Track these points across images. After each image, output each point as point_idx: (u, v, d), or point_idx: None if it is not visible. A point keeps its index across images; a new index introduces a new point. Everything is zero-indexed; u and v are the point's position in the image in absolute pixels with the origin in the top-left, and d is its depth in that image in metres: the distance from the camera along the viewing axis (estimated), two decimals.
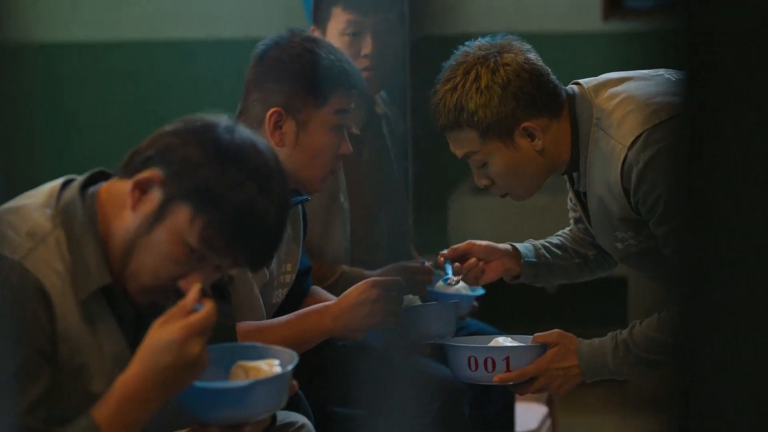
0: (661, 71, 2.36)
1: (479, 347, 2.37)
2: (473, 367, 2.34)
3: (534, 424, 3.59)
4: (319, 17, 2.98)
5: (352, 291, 2.34)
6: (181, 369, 1.73)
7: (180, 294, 1.79)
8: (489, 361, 2.33)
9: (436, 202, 4.51)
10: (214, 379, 1.90)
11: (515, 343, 2.42)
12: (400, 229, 3.16)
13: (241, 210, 1.78)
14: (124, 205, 1.80)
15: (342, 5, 2.94)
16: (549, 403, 3.84)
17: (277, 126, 2.38)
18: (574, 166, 2.36)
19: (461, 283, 2.94)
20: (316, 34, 2.94)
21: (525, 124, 2.29)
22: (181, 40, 4.72)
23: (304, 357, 1.97)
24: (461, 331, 2.77)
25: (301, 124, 2.39)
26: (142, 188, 1.78)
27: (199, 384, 1.82)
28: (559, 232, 2.63)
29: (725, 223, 0.92)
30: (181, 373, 1.74)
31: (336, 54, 2.43)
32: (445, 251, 2.54)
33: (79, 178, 1.87)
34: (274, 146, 2.25)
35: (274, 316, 2.47)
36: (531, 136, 2.30)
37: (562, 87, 2.36)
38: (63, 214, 1.81)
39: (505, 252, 2.53)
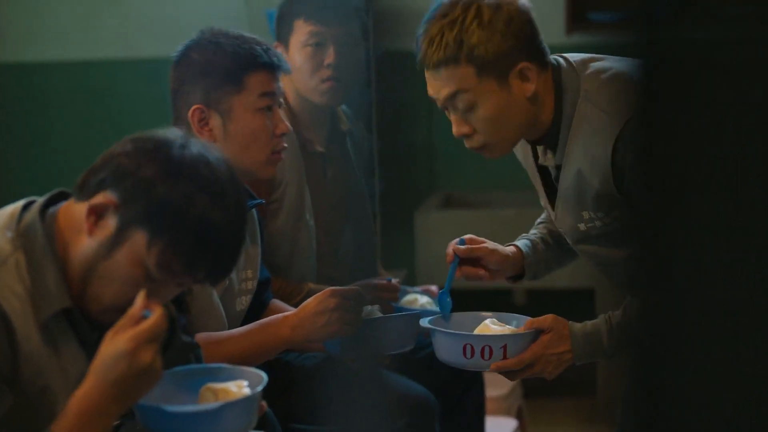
0: None
1: (476, 336, 2.33)
2: (469, 354, 2.30)
3: None
4: (282, 32, 2.98)
5: (311, 301, 2.34)
6: (133, 379, 1.72)
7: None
8: (486, 349, 2.30)
9: (402, 217, 4.51)
10: (183, 402, 1.89)
11: (509, 330, 2.38)
12: (366, 246, 3.16)
13: (196, 229, 1.77)
14: (81, 229, 1.79)
15: (304, 17, 2.94)
16: (519, 416, 3.85)
17: (203, 123, 2.39)
18: (548, 136, 2.31)
19: (426, 299, 2.94)
20: (280, 50, 2.94)
21: (522, 65, 2.24)
22: (148, 59, 4.71)
23: (270, 376, 1.96)
24: (429, 346, 2.75)
25: (225, 115, 2.39)
26: (97, 213, 1.78)
27: (169, 408, 1.81)
28: (540, 220, 2.62)
29: (687, 220, 0.91)
30: (134, 382, 1.72)
31: (243, 38, 2.42)
32: (458, 244, 2.46)
33: (40, 200, 1.86)
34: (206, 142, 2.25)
35: (240, 325, 2.47)
36: (525, 78, 2.25)
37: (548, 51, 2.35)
38: (23, 236, 1.80)
39: (512, 258, 2.51)
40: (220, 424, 1.86)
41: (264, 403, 1.93)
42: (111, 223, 1.77)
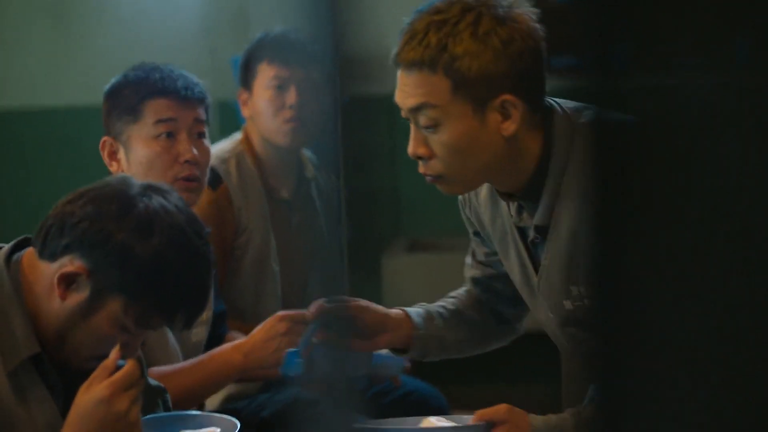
0: None
1: (409, 429, 1.97)
2: None
3: None
4: (246, 77, 3.00)
5: (262, 326, 2.35)
6: (111, 427, 1.71)
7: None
8: None
9: (369, 262, 4.51)
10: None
11: (450, 424, 2.00)
12: (333, 292, 3.16)
13: (172, 285, 1.77)
14: (50, 289, 1.78)
15: (267, 60, 2.96)
16: None
17: (113, 156, 2.40)
18: (528, 190, 1.96)
19: None
20: (243, 96, 2.96)
21: (506, 97, 1.87)
22: None
23: (243, 422, 1.96)
24: (393, 392, 2.74)
25: (126, 145, 2.38)
26: (67, 282, 1.77)
27: None
28: (454, 293, 2.26)
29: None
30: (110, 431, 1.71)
31: (143, 68, 2.41)
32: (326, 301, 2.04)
33: (5, 248, 1.85)
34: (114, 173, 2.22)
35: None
36: (505, 114, 1.89)
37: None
38: None
39: (395, 322, 2.13)
40: None
41: None
42: (83, 290, 1.77)
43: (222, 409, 2.64)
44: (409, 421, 2.03)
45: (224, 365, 2.34)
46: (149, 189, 1.82)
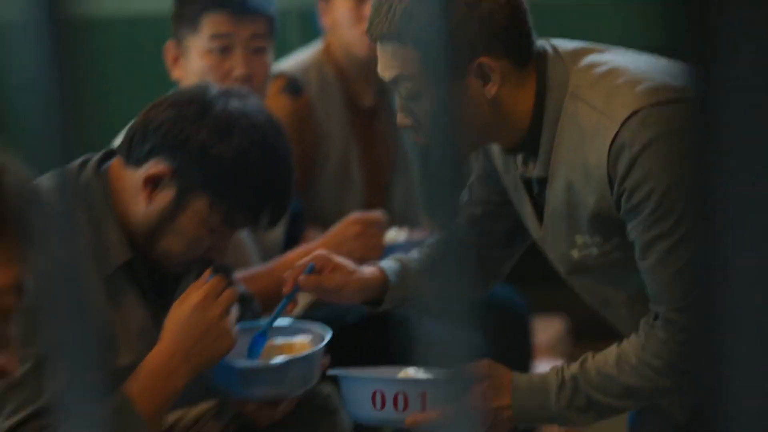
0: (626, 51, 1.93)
1: (389, 380, 1.87)
2: (378, 404, 1.83)
3: (549, 338, 3.58)
4: None
5: (334, 230, 2.42)
6: (204, 333, 1.78)
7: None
8: (400, 398, 1.82)
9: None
10: (247, 357, 1.94)
11: (428, 376, 1.88)
12: (411, 199, 3.19)
13: (255, 182, 1.83)
14: (138, 194, 1.84)
15: None
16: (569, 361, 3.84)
17: (176, 61, 2.46)
18: (528, 143, 1.88)
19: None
20: (323, 5, 2.95)
21: (482, 59, 1.79)
22: None
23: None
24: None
25: (184, 55, 2.43)
26: (153, 183, 1.83)
27: (235, 363, 1.86)
28: (433, 241, 1.99)
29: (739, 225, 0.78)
30: (205, 337, 1.78)
31: None
32: (307, 270, 1.97)
33: (93, 159, 1.90)
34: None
35: (278, 255, 2.54)
36: (485, 77, 1.81)
37: (535, 39, 1.88)
38: (81, 194, 1.86)
39: (369, 283, 2.03)
40: (285, 379, 1.90)
41: (327, 360, 1.98)
42: (168, 191, 1.83)
43: (305, 314, 2.69)
44: (387, 371, 1.96)
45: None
46: (227, 93, 1.87)
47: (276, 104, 2.82)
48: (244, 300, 2.13)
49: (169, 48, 2.45)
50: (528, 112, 1.85)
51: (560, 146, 1.84)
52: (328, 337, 1.96)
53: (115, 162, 1.90)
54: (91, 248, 1.81)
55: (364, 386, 1.85)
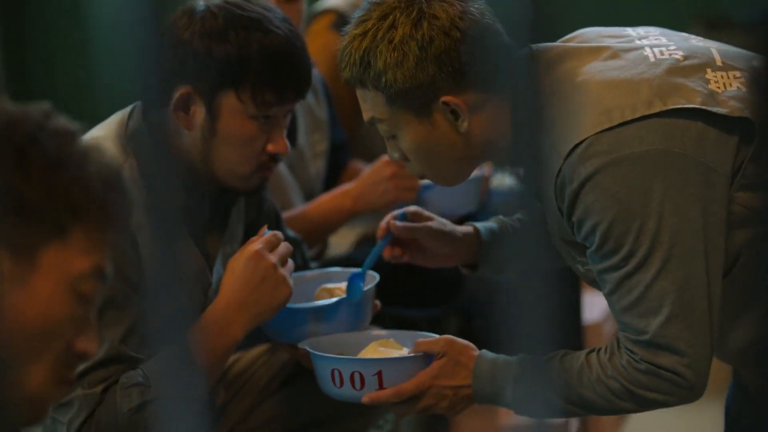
0: (645, 41, 1.82)
1: (344, 359, 1.84)
2: (338, 382, 1.82)
3: (597, 315, 3.59)
4: None
5: (368, 171, 2.45)
6: (260, 283, 1.80)
7: (275, 159, 1.90)
8: (356, 377, 1.81)
9: None
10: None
11: (392, 352, 1.89)
12: None
13: (267, 60, 1.84)
14: (178, 129, 1.87)
15: None
16: None
17: None
18: (515, 157, 1.65)
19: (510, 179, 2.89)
20: None
21: (445, 99, 1.75)
22: None
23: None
24: None
25: None
26: (183, 109, 1.85)
27: (288, 305, 1.87)
28: None
29: None
30: (261, 287, 1.80)
31: None
32: (398, 218, 1.99)
33: (124, 115, 1.92)
34: None
35: (320, 188, 2.59)
36: (454, 114, 1.77)
37: (522, 50, 1.76)
38: (132, 141, 1.88)
39: (464, 242, 2.02)
40: (337, 319, 1.92)
41: (378, 303, 2.00)
42: (199, 106, 1.85)
43: (353, 252, 2.71)
44: (354, 339, 1.94)
45: (334, 210, 2.45)
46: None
47: (325, 40, 2.83)
48: (295, 244, 2.15)
49: None
50: (508, 129, 1.71)
51: (539, 159, 1.66)
52: (376, 280, 1.98)
53: (138, 113, 1.92)
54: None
55: (324, 364, 1.84)
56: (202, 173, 1.88)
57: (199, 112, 1.85)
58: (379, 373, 1.80)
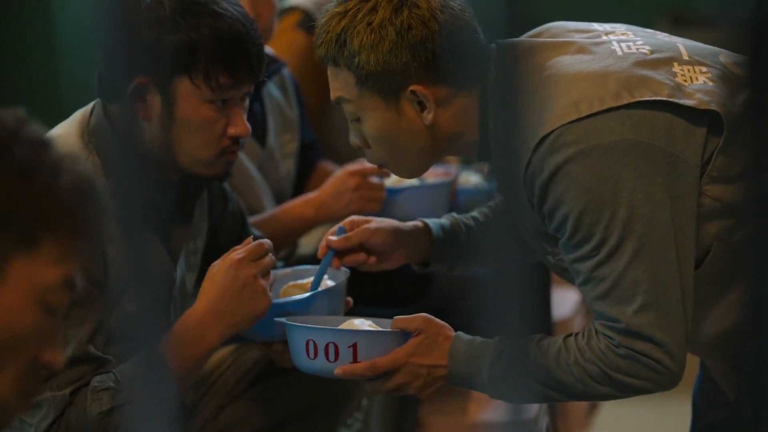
0: (613, 36, 1.83)
1: (319, 329, 1.82)
2: (311, 353, 1.81)
3: (567, 311, 3.59)
4: None
5: (333, 181, 2.43)
6: (238, 291, 1.79)
7: (237, 141, 1.88)
8: (331, 348, 1.79)
9: None
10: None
11: (370, 327, 1.87)
12: None
13: (216, 40, 1.83)
14: (137, 120, 1.83)
15: None
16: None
17: None
18: (484, 152, 1.81)
19: (476, 178, 2.88)
20: None
21: (414, 88, 1.76)
22: None
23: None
24: None
25: None
26: (139, 99, 1.83)
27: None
28: (493, 203, 2.09)
29: None
30: (239, 296, 1.79)
31: None
32: (337, 233, 1.98)
33: (86, 111, 1.91)
34: None
35: (290, 189, 2.58)
36: (420, 105, 1.78)
37: (490, 45, 1.82)
38: (94, 137, 1.86)
39: (410, 237, 2.01)
40: (310, 313, 1.90)
41: (350, 299, 2.00)
42: (154, 95, 1.83)
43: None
44: (330, 320, 1.92)
45: (297, 219, 2.44)
46: None
47: (290, 38, 2.82)
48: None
49: None
50: (475, 126, 1.80)
51: (502, 155, 1.72)
52: (347, 274, 1.98)
53: (98, 106, 1.91)
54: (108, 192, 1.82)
55: (300, 335, 1.82)
56: (166, 163, 1.87)
57: (155, 102, 1.83)
58: (354, 346, 1.78)
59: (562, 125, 1.69)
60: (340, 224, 1.98)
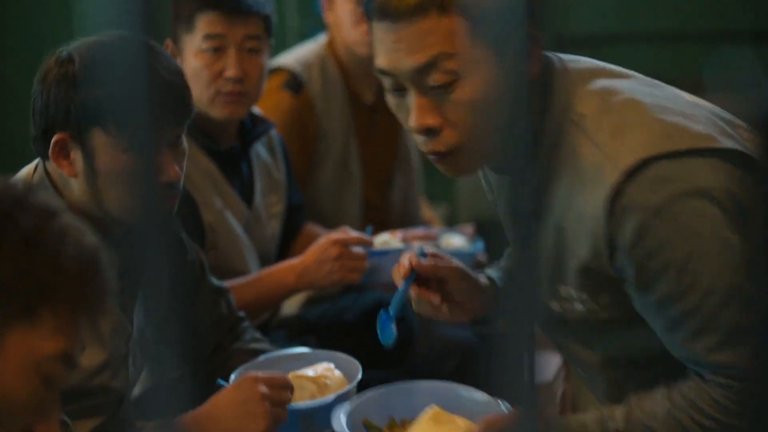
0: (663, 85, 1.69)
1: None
2: None
3: (549, 375, 3.56)
4: None
5: (315, 249, 2.40)
6: (240, 403, 1.78)
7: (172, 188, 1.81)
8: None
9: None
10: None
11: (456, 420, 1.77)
12: (410, 196, 3.19)
13: (126, 96, 1.78)
14: (67, 178, 1.81)
15: None
16: None
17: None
18: (521, 165, 1.53)
19: (461, 239, 2.88)
20: (326, 1, 2.94)
21: (530, 31, 1.39)
22: None
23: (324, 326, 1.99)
24: None
25: (180, 53, 2.41)
26: (62, 156, 1.79)
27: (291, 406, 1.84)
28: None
29: None
30: (239, 408, 1.78)
31: None
32: (418, 254, 1.81)
33: (29, 170, 1.88)
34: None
35: (275, 250, 2.55)
36: (533, 50, 1.59)
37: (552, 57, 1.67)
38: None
39: (485, 294, 1.85)
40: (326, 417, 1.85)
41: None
42: (75, 149, 1.78)
43: (301, 312, 2.69)
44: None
45: (278, 285, 2.41)
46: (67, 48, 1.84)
47: (276, 99, 2.82)
48: (220, 292, 2.17)
49: (167, 47, 2.43)
50: (535, 116, 1.61)
51: (556, 180, 1.60)
52: (360, 370, 1.98)
53: (39, 165, 1.88)
54: None
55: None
56: (101, 218, 1.82)
57: (77, 155, 1.79)
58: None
59: (664, 155, 1.51)
60: (422, 247, 1.83)
